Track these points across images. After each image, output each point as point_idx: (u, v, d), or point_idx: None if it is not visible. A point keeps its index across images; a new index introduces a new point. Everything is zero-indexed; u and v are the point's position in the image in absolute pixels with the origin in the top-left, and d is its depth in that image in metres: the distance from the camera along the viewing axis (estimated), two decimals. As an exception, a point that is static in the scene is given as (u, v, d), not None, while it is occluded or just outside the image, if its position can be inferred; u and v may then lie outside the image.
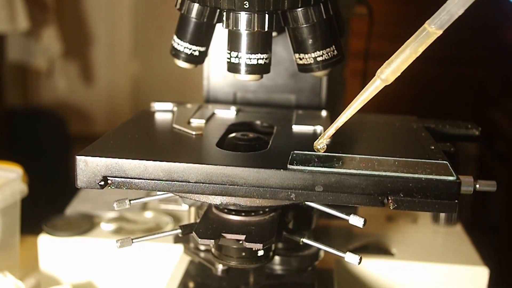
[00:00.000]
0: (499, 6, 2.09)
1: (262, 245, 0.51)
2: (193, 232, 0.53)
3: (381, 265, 0.73)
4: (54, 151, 2.17)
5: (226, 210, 0.56)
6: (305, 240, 0.55)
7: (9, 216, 0.76)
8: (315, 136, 0.60)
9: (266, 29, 0.54)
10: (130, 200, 0.54)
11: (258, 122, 0.66)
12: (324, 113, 0.67)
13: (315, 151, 0.52)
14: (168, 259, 0.74)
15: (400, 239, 0.79)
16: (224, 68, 0.58)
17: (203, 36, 0.61)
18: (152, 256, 0.75)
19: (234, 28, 0.54)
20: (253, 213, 0.56)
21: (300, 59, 0.59)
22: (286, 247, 0.64)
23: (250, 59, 0.55)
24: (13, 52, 2.40)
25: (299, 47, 0.58)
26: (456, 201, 0.46)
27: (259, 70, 0.56)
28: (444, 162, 0.50)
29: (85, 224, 0.78)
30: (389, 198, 0.46)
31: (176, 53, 0.62)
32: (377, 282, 0.73)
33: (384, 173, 0.47)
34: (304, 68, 0.60)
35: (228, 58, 0.56)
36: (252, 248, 0.53)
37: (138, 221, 0.81)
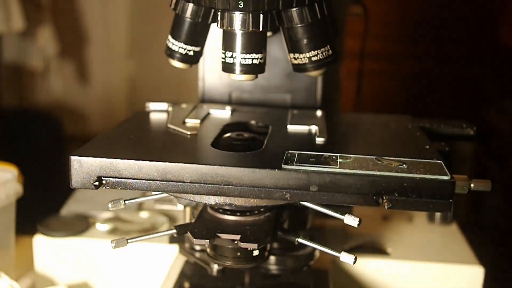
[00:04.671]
0: (496, 6, 2.09)
1: (257, 245, 0.51)
2: (188, 232, 0.53)
3: (376, 264, 0.73)
4: (50, 152, 2.17)
5: (221, 210, 0.56)
6: (300, 240, 0.55)
7: (4, 216, 0.76)
8: (310, 136, 0.60)
9: (260, 29, 0.54)
10: (125, 200, 0.54)
11: (253, 122, 0.66)
12: (319, 113, 0.67)
13: (310, 151, 0.52)
14: (164, 259, 0.74)
15: (396, 238, 0.79)
16: (219, 68, 0.58)
17: (197, 36, 0.61)
18: (148, 256, 0.75)
19: (229, 28, 0.54)
20: (248, 213, 0.55)
21: (295, 58, 0.59)
22: (282, 247, 0.64)
23: (245, 59, 0.55)
24: (9, 53, 2.40)
25: (293, 47, 0.58)
26: (451, 200, 0.46)
27: (254, 70, 0.56)
28: (439, 161, 0.51)
29: (80, 225, 0.78)
30: (384, 197, 0.47)
31: (171, 53, 0.62)
32: (372, 281, 0.73)
33: (378, 173, 0.47)
34: (299, 68, 0.60)
35: (223, 58, 0.56)
36: (247, 248, 0.52)
37: (134, 221, 0.81)
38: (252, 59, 0.55)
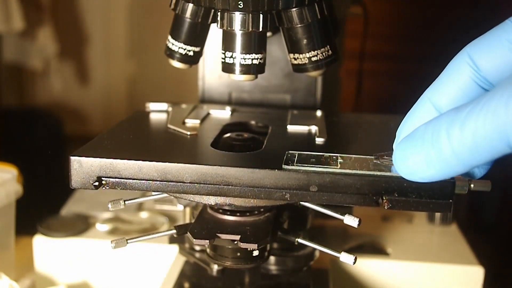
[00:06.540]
0: (498, 6, 2.09)
1: (257, 245, 0.51)
2: (188, 233, 0.53)
3: (376, 265, 0.73)
4: (50, 152, 2.17)
5: (221, 210, 0.56)
6: (300, 240, 0.55)
7: (4, 217, 0.76)
8: (310, 136, 0.60)
9: (260, 29, 0.54)
10: (125, 201, 0.54)
11: (253, 122, 0.66)
12: (319, 113, 0.67)
13: (309, 151, 0.52)
14: (163, 259, 0.74)
15: (396, 238, 0.79)
16: (219, 68, 0.58)
17: (197, 36, 0.61)
18: (147, 257, 0.75)
19: (229, 28, 0.54)
20: (248, 213, 0.55)
21: (295, 59, 0.59)
22: (281, 247, 0.64)
23: (244, 59, 0.55)
24: (9, 52, 2.40)
25: (293, 47, 0.58)
26: (451, 200, 0.46)
27: (254, 70, 0.56)
28: (439, 161, 0.50)
29: (80, 225, 0.78)
30: (384, 198, 0.46)
31: (170, 53, 0.62)
32: (372, 281, 0.73)
33: (378, 173, 0.47)
34: (298, 68, 0.60)
35: (222, 58, 0.56)
36: (247, 248, 0.52)
37: (134, 221, 0.81)
38: (252, 59, 0.55)
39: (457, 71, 0.42)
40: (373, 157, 0.50)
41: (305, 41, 0.57)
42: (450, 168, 0.37)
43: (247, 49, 0.55)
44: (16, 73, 2.64)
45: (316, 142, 0.57)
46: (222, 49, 0.56)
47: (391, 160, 0.48)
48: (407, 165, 0.40)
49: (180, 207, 0.73)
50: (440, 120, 0.37)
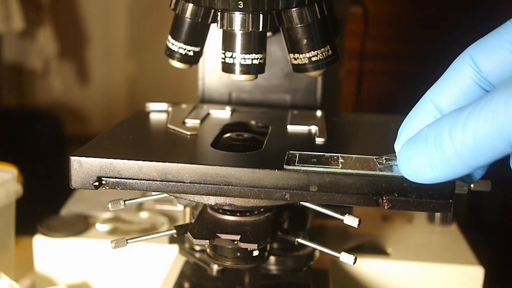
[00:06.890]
0: (497, 7, 2.09)
1: (257, 245, 0.51)
2: (188, 233, 0.53)
3: (376, 265, 0.73)
4: (50, 152, 2.17)
5: (221, 210, 0.56)
6: (300, 240, 0.55)
7: (4, 217, 0.76)
8: (310, 136, 0.60)
9: (260, 29, 0.54)
10: (125, 201, 0.54)
11: (253, 122, 0.66)
12: (319, 113, 0.67)
13: (309, 151, 0.52)
14: (163, 259, 0.74)
15: (396, 238, 0.79)
16: (219, 68, 0.58)
17: (197, 36, 0.61)
18: (147, 257, 0.75)
19: (229, 28, 0.54)
20: (248, 213, 0.55)
21: (295, 59, 0.59)
22: (281, 247, 0.64)
23: (244, 59, 0.55)
24: (9, 52, 2.40)
25: (293, 47, 0.58)
26: (451, 200, 0.46)
27: (254, 70, 0.56)
28: (439, 161, 0.50)
29: (80, 225, 0.78)
30: (384, 198, 0.46)
31: (170, 53, 0.62)
32: (372, 281, 0.73)
33: (378, 173, 0.47)
34: (298, 68, 0.60)
35: (222, 58, 0.56)
36: (247, 248, 0.52)
37: (134, 221, 0.81)
38: (252, 59, 0.55)
39: (458, 72, 0.42)
40: (374, 157, 0.50)
41: (305, 41, 0.57)
42: (453, 169, 0.38)
43: (247, 49, 0.55)
44: (16, 73, 2.65)
45: (316, 142, 0.57)
46: (222, 49, 0.56)
47: (392, 161, 0.48)
48: (411, 166, 0.40)
49: (180, 207, 0.73)
50: (442, 121, 0.38)
